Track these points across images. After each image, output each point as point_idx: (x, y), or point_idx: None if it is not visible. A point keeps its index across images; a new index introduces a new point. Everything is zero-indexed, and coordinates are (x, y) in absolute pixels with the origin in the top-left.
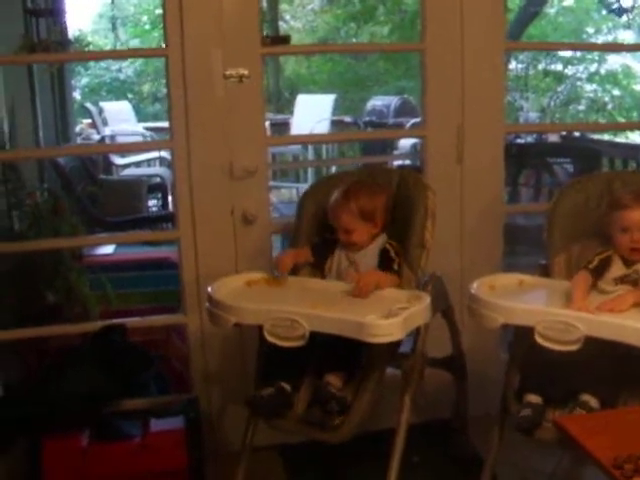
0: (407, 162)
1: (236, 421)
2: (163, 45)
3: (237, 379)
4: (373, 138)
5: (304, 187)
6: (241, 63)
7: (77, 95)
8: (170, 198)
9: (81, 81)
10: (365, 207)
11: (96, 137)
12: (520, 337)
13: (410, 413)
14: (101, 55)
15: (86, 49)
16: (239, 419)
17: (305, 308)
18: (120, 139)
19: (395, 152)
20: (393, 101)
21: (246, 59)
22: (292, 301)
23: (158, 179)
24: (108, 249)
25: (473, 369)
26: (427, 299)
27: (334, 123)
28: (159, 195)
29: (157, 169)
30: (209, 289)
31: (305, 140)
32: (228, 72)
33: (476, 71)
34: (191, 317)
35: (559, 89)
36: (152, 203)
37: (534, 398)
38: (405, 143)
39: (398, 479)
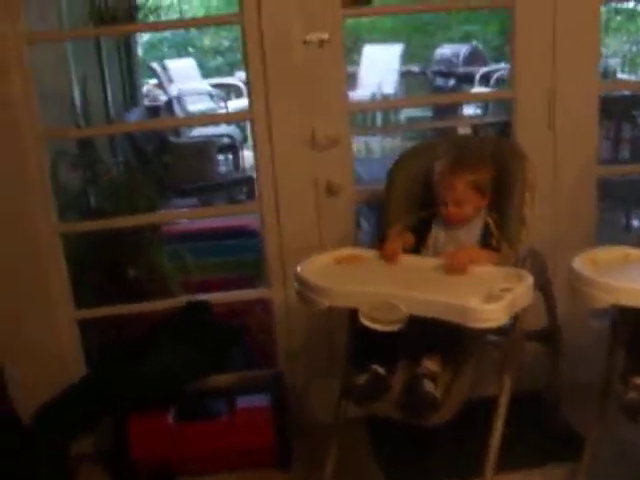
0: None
1: (322, 395)
2: None
3: (323, 353)
4: (456, 101)
5: (373, 140)
6: (321, 27)
7: (139, 51)
8: (241, 159)
9: (142, 37)
10: (479, 177)
11: (163, 98)
12: (626, 316)
13: (510, 394)
14: (173, 25)
15: (154, 14)
16: (325, 393)
17: (402, 290)
18: (187, 99)
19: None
20: (462, 49)
21: (326, 23)
22: (386, 280)
23: (227, 139)
24: None
25: (564, 337)
26: (529, 279)
27: (402, 74)
28: (229, 156)
29: (226, 128)
30: (298, 269)
31: (386, 106)
32: (308, 37)
33: (569, 27)
34: (275, 291)
35: None
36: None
37: None
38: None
39: (496, 459)
